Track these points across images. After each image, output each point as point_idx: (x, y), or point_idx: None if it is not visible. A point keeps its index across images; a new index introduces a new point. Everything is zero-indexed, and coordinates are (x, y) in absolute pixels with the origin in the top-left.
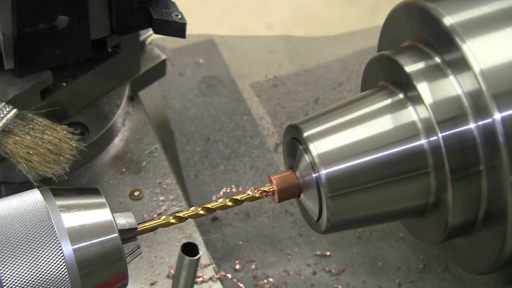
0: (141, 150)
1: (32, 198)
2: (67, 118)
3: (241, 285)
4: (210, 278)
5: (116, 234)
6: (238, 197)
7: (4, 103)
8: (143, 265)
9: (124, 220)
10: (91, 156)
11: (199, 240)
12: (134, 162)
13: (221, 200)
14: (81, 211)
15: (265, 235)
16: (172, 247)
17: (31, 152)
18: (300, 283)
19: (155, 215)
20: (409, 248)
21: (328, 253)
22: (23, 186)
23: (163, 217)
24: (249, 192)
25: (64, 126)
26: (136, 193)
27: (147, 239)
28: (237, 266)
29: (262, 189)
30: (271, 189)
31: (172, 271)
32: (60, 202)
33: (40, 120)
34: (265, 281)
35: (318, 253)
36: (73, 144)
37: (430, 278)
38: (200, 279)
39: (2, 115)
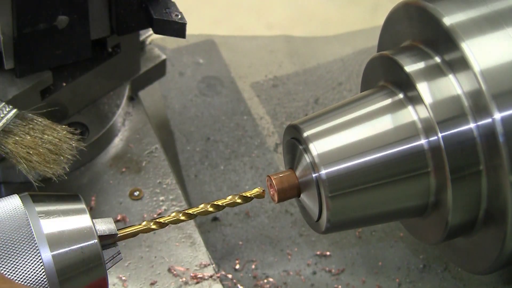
0: (141, 150)
1: (12, 204)
2: (67, 118)
3: (240, 286)
4: (210, 277)
5: (95, 240)
6: (219, 203)
7: (4, 103)
8: (143, 265)
9: (104, 226)
10: (91, 156)
11: (199, 240)
12: (134, 162)
13: (202, 205)
14: (60, 217)
15: (265, 235)
16: (172, 247)
17: (31, 152)
18: (300, 283)
19: (155, 215)
20: (409, 248)
21: (328, 253)
22: (23, 186)
23: (144, 223)
24: (229, 197)
25: (64, 126)
26: (136, 193)
27: (147, 239)
28: (237, 266)
29: (244, 194)
30: (252, 195)
31: (173, 271)
32: (40, 208)
33: (40, 120)
34: (265, 281)
35: (318, 253)
36: (73, 144)
37: (430, 278)
38: (200, 276)
39: (2, 115)
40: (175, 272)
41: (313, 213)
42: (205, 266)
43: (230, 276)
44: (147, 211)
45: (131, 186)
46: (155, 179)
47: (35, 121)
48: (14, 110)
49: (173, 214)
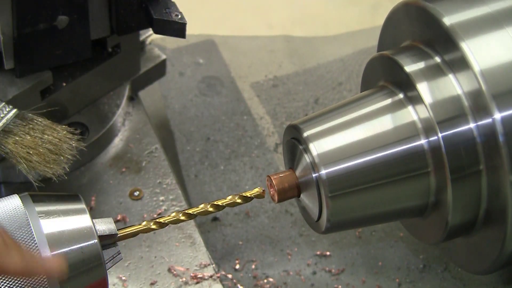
0: (141, 150)
1: (12, 204)
2: (67, 118)
3: (240, 286)
4: (210, 277)
5: (95, 240)
6: (219, 203)
7: (4, 103)
8: (143, 265)
9: (104, 226)
10: (91, 156)
11: (199, 240)
12: (134, 162)
13: (202, 205)
14: (60, 217)
15: (265, 235)
16: (172, 247)
17: (31, 152)
18: (300, 283)
19: (155, 215)
20: (409, 248)
21: (328, 253)
22: (23, 186)
23: (144, 223)
24: (229, 197)
25: (64, 126)
26: (136, 193)
27: (147, 239)
28: (237, 266)
29: (244, 194)
30: (252, 194)
31: (173, 271)
32: (40, 208)
33: (40, 120)
34: (265, 281)
35: (318, 253)
36: (73, 144)
37: (430, 278)
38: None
39: (2, 115)
40: (175, 272)
41: (313, 213)
42: (205, 266)
43: (230, 276)
44: (147, 211)
45: (131, 186)
46: (155, 179)
47: (35, 121)
48: (14, 110)
49: (173, 214)
